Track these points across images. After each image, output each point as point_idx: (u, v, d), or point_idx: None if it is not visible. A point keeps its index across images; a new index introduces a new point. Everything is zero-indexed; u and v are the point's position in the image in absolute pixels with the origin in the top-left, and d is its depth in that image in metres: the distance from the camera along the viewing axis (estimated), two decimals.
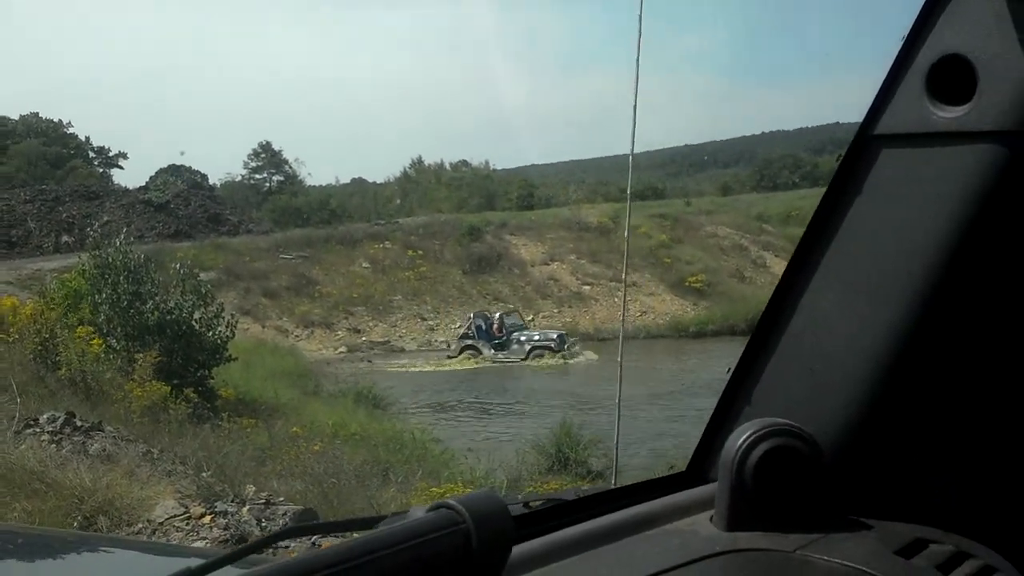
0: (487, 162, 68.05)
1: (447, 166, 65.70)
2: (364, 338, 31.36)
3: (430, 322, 33.01)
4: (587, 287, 34.48)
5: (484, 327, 28.04)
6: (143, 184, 45.28)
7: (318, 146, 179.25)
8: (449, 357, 28.24)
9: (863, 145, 0.94)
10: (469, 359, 27.73)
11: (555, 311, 32.92)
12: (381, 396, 19.09)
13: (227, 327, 16.42)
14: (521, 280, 34.70)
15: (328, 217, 44.62)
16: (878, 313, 0.98)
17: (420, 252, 36.64)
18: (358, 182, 77.74)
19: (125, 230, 20.96)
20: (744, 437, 1.00)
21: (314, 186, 62.59)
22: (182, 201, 42.57)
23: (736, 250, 37.36)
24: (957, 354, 0.99)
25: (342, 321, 32.29)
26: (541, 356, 26.75)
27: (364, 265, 35.70)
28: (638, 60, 7.07)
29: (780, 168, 63.53)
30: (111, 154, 60.88)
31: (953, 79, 0.81)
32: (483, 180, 58.40)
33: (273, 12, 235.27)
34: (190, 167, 48.81)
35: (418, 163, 67.40)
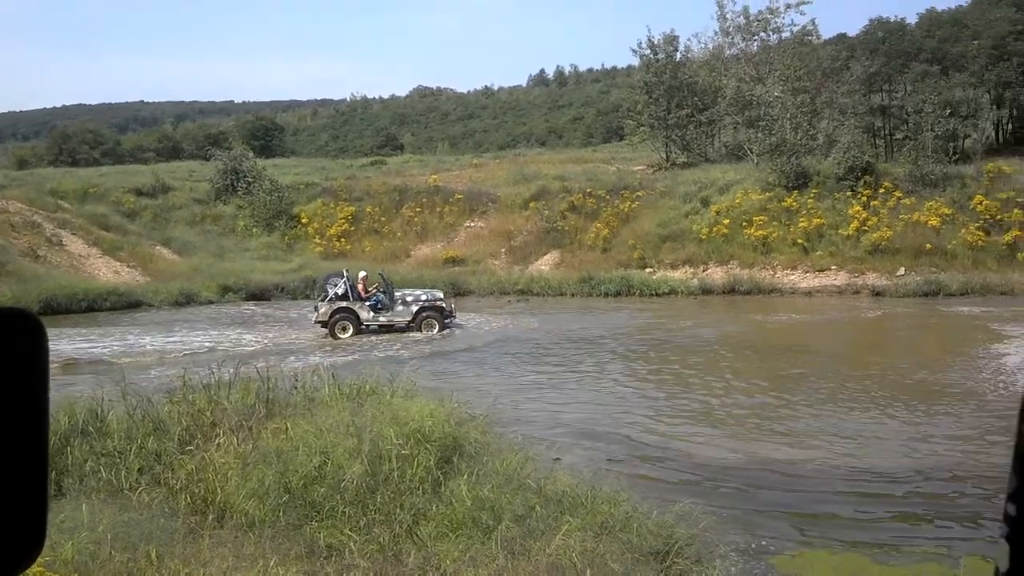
0: None
1: None
2: None
3: None
4: None
5: (351, 286, 21.51)
6: None
7: None
8: (319, 324, 20.95)
9: None
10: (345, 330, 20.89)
11: None
12: None
13: None
14: None
15: None
16: None
17: None
18: None
19: None
20: None
21: None
22: None
23: (29, 227, 36.31)
24: None
25: None
26: (432, 324, 21.24)
27: None
28: None
29: (80, 143, 62.35)
30: None
31: None
32: None
33: None
34: None
35: None
